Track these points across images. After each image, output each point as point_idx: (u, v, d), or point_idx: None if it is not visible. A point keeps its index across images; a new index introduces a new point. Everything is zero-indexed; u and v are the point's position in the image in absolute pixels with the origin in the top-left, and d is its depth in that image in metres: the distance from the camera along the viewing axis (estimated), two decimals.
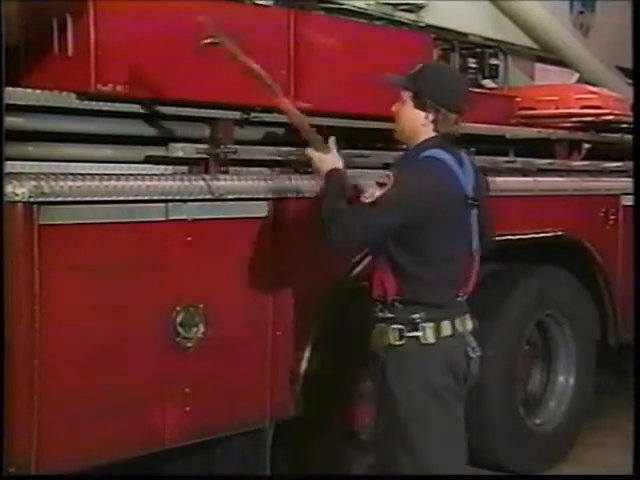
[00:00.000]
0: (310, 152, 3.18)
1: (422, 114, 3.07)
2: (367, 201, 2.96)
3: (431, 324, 3.03)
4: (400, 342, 3.03)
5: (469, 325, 3.15)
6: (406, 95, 3.10)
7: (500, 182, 4.44)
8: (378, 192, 2.95)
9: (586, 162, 5.34)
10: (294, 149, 3.71)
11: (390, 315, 3.07)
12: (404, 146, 4.26)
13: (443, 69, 3.28)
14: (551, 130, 5.22)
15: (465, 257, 3.15)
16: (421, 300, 3.04)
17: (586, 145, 5.43)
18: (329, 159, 3.13)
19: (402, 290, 3.05)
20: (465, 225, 3.13)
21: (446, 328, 3.05)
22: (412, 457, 3.03)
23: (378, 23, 4.54)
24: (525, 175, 4.83)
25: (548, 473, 4.68)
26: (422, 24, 4.79)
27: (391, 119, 3.24)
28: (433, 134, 3.08)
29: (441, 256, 3.06)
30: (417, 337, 3.02)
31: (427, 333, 3.03)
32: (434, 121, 3.06)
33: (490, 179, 4.45)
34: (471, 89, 5.17)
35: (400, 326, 3.03)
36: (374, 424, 3.25)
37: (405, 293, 3.05)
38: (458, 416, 3.14)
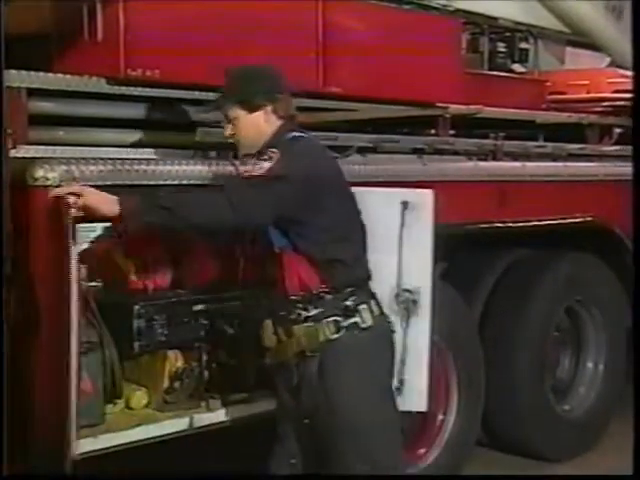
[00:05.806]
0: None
1: (261, 112, 2.88)
2: (254, 174, 2.79)
3: (364, 305, 2.84)
4: (338, 334, 2.80)
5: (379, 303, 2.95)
6: (232, 112, 2.89)
7: (530, 167, 4.41)
8: (265, 165, 2.77)
9: (617, 147, 5.28)
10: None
11: (318, 310, 2.81)
12: (432, 131, 4.32)
13: (241, 67, 2.94)
14: (582, 115, 5.17)
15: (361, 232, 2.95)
16: (350, 282, 2.83)
17: (618, 130, 5.37)
18: (100, 199, 2.74)
19: (326, 277, 2.81)
20: (350, 199, 2.94)
21: (374, 306, 2.88)
22: (357, 444, 2.83)
23: (407, 7, 4.51)
24: (555, 160, 4.79)
25: (577, 460, 4.65)
26: (451, 8, 4.76)
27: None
28: (279, 121, 2.90)
29: (348, 230, 2.88)
30: (355, 323, 2.82)
31: (364, 315, 2.83)
32: (274, 110, 2.88)
33: (520, 164, 4.47)
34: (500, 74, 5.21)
35: (335, 317, 2.81)
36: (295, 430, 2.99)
37: (330, 280, 2.82)
38: (394, 399, 2.98)
